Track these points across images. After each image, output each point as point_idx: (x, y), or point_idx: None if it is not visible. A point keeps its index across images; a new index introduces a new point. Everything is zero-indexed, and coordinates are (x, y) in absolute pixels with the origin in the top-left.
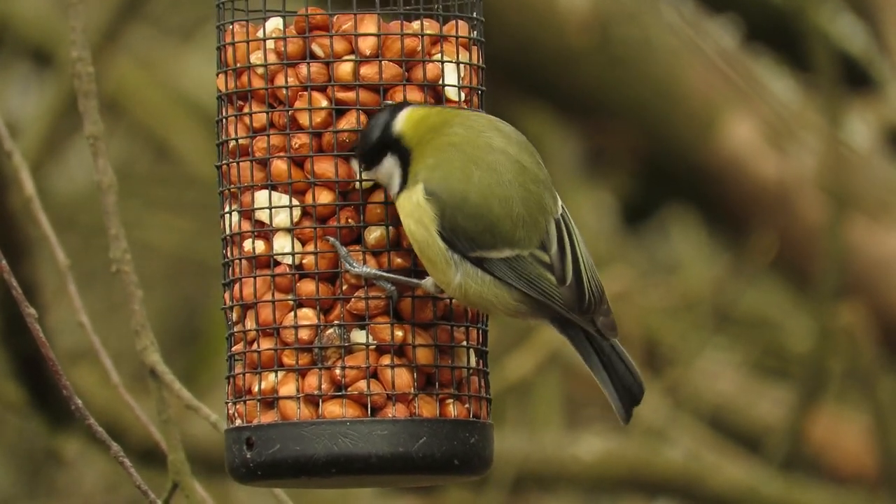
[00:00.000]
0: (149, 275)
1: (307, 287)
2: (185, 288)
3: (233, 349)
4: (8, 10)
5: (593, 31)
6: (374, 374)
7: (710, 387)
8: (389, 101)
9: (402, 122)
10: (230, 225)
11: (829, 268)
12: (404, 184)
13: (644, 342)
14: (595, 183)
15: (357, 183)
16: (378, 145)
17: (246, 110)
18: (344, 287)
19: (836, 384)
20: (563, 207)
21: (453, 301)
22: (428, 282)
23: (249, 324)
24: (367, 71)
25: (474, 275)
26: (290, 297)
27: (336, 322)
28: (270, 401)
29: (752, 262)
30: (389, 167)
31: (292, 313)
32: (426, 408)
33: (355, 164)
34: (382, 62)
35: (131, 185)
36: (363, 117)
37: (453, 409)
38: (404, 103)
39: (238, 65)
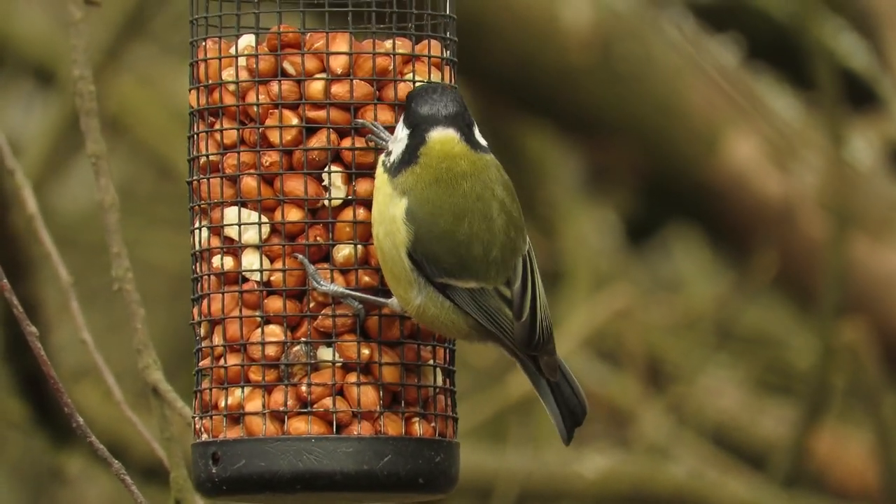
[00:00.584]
0: (151, 293)
1: (275, 304)
2: (187, 306)
3: (200, 364)
4: (9, 28)
5: (595, 49)
6: (339, 392)
7: (712, 404)
8: (359, 120)
9: (437, 141)
10: (200, 241)
11: (831, 285)
12: (396, 170)
13: (646, 359)
14: (597, 200)
15: (326, 201)
16: (413, 118)
17: (217, 127)
18: (311, 304)
19: (839, 401)
20: (529, 244)
21: None
22: (394, 301)
23: (217, 339)
24: (339, 89)
25: (435, 299)
26: (257, 314)
27: (303, 339)
28: (237, 416)
29: (754, 280)
30: (400, 133)
31: (259, 329)
32: (392, 426)
33: (325, 181)
34: (354, 81)
35: (134, 204)
36: (333, 136)
37: (419, 428)
38: (459, 119)
39: (210, 81)
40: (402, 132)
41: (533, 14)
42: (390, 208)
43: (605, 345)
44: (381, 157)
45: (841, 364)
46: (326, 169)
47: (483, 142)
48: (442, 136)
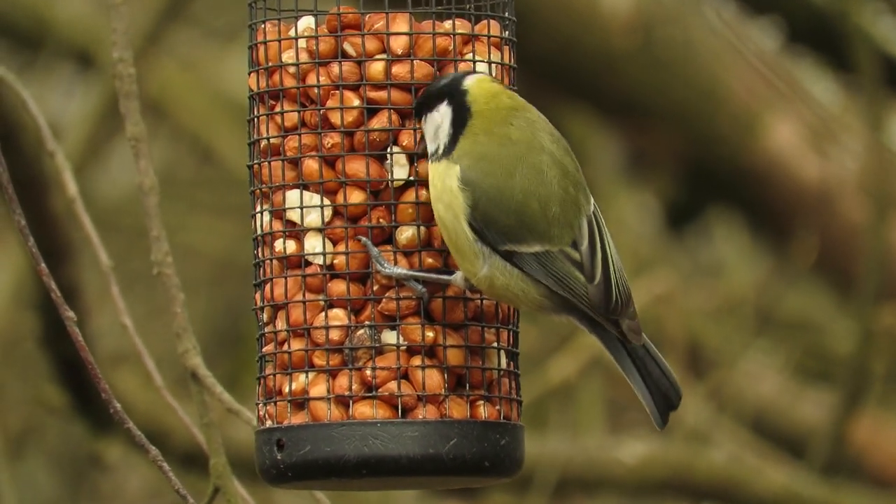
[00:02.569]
0: (192, 278)
1: (338, 287)
2: (228, 291)
3: (263, 350)
4: (51, 11)
5: (636, 33)
6: (404, 375)
7: (752, 389)
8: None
9: (475, 82)
10: (261, 225)
11: (870, 269)
12: (448, 150)
13: (687, 344)
14: (638, 185)
15: (389, 182)
16: (442, 91)
17: (277, 109)
18: (375, 287)
19: (879, 386)
20: (595, 207)
21: (484, 301)
22: (458, 276)
23: (280, 324)
24: (399, 70)
25: (502, 268)
26: (320, 298)
27: (367, 323)
28: (301, 402)
29: (794, 265)
30: (440, 118)
31: (323, 314)
32: (457, 409)
33: (387, 164)
34: (414, 61)
35: (175, 188)
36: (395, 117)
37: (484, 411)
38: (476, 72)
39: (270, 64)
40: (441, 111)
41: None
42: (446, 180)
43: (645, 330)
44: (430, 158)
45: (880, 349)
46: (388, 150)
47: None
48: (477, 78)
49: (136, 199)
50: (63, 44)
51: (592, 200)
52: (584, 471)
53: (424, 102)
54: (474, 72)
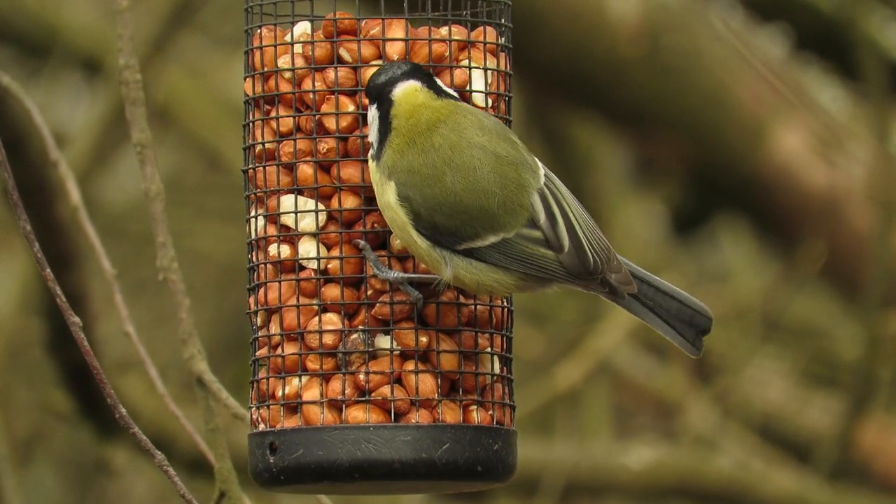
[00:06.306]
0: (199, 284)
1: (332, 292)
2: (235, 297)
3: (257, 354)
4: (58, 19)
5: (643, 41)
6: (398, 380)
7: (759, 395)
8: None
9: (402, 95)
10: (256, 229)
11: (877, 276)
12: (378, 155)
13: None
14: (645, 192)
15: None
16: (373, 92)
17: (273, 114)
18: (369, 292)
19: (886, 392)
20: (546, 177)
21: (478, 307)
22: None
23: (274, 328)
24: None
25: (466, 266)
26: (314, 302)
27: (361, 327)
28: (294, 405)
29: (801, 271)
30: (371, 117)
31: (317, 318)
32: (450, 414)
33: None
34: None
35: (182, 194)
36: None
37: (477, 416)
38: (416, 71)
39: (266, 69)
40: (371, 113)
41: (582, 6)
42: (384, 196)
43: (652, 337)
44: (370, 151)
45: (887, 355)
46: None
47: (449, 90)
48: (405, 89)
49: (143, 205)
50: (70, 51)
51: (543, 172)
52: (590, 476)
53: (369, 94)
54: (409, 77)
